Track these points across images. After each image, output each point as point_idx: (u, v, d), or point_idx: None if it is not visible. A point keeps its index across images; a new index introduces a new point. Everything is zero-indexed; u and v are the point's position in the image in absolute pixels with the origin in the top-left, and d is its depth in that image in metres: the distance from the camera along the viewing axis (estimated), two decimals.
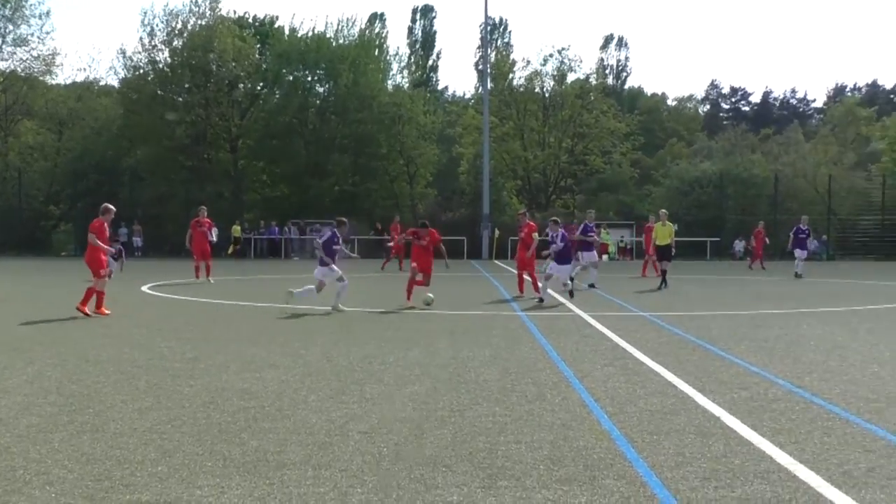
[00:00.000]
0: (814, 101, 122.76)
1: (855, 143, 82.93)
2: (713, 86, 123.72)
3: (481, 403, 9.53)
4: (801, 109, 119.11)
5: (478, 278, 34.07)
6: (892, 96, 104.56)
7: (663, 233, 29.31)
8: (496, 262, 49.28)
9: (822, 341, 14.97)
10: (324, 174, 64.05)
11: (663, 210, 31.49)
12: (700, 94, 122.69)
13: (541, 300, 21.76)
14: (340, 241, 21.12)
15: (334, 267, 20.60)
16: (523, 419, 8.78)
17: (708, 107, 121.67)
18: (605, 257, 56.28)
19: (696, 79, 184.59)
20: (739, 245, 60.41)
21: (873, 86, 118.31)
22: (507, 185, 68.79)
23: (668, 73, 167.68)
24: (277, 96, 66.37)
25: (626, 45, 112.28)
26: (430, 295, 21.12)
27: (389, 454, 7.44)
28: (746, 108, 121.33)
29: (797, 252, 35.93)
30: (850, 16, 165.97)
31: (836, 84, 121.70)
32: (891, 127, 71.95)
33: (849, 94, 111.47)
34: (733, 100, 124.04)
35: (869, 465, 7.17)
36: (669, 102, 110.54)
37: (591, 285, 27.50)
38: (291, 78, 65.93)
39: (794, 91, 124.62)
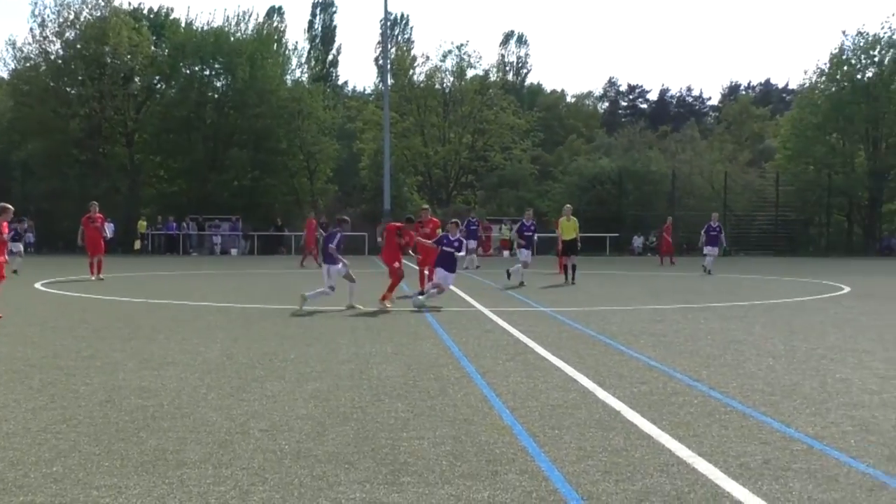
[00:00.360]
0: (709, 99, 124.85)
1: (749, 141, 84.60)
2: (611, 83, 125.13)
3: (383, 400, 9.49)
4: (696, 107, 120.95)
5: (379, 274, 33.96)
6: (784, 95, 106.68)
7: (568, 228, 29.48)
8: None
9: (718, 336, 15.21)
10: (222, 169, 63.43)
11: (568, 205, 31.65)
12: (598, 91, 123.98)
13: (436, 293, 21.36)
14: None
15: (342, 266, 20.29)
16: (425, 415, 8.76)
17: (606, 104, 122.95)
18: (505, 253, 56.71)
19: (595, 76, 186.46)
20: (638, 241, 61.27)
21: (766, 85, 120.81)
22: (408, 180, 68.83)
23: (567, 70, 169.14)
24: (174, 90, 65.41)
25: (525, 42, 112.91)
26: (422, 297, 20.25)
27: (291, 452, 7.36)
28: (644, 106, 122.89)
29: (707, 249, 36.47)
30: (744, 16, 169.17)
31: (731, 83, 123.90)
32: (783, 125, 73.51)
33: (743, 92, 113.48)
34: (631, 97, 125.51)
35: (765, 457, 7.29)
36: (568, 99, 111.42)
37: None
38: (188, 72, 65.02)
39: (689, 89, 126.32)
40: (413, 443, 7.67)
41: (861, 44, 66.68)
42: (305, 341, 14.07)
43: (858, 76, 67.11)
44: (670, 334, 15.35)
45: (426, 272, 24.50)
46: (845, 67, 67.23)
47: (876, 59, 66.82)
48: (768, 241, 62.80)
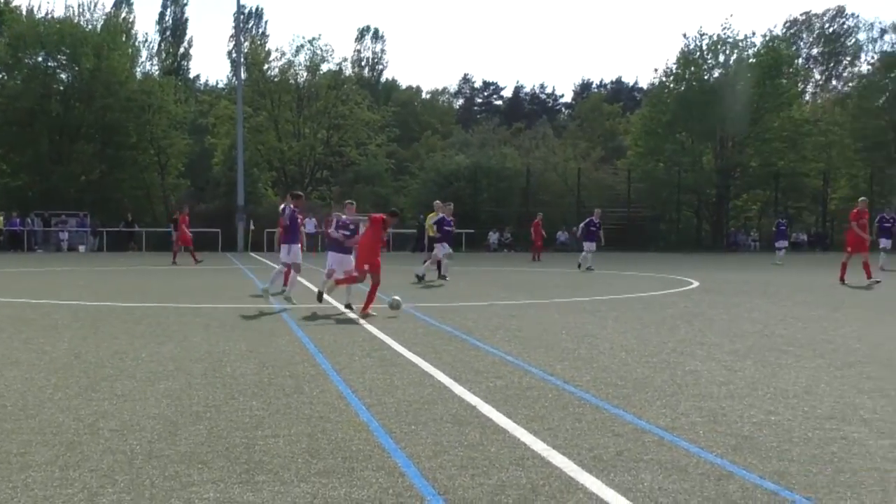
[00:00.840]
0: (562, 96, 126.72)
1: (602, 139, 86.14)
2: (466, 80, 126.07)
3: (237, 398, 9.34)
4: (550, 104, 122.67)
5: (233, 271, 33.59)
6: (635, 94, 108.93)
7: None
8: (252, 254, 48.71)
9: (573, 330, 15.40)
10: (68, 163, 61.72)
11: (437, 201, 31.64)
12: (454, 88, 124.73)
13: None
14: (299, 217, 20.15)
15: (296, 248, 19.78)
16: (281, 413, 8.65)
17: (461, 100, 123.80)
18: None
19: (450, 72, 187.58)
20: (494, 237, 61.82)
21: (618, 83, 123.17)
22: (263, 176, 68.20)
23: (423, 66, 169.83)
24: (17, 81, 63.33)
25: (381, 37, 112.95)
26: (397, 297, 18.44)
27: (142, 452, 7.18)
28: (499, 102, 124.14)
29: (586, 245, 36.77)
30: (596, 14, 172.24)
31: (583, 80, 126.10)
32: (635, 123, 75.06)
33: (595, 90, 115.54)
34: (486, 94, 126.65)
35: (617, 449, 7.39)
36: (424, 95, 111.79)
37: (421, 277, 27.56)
38: (31, 62, 63.06)
39: (543, 87, 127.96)
40: (268, 441, 7.57)
41: (704, 45, 68.54)
42: (157, 339, 13.77)
43: (706, 76, 68.96)
44: (526, 329, 15.48)
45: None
46: (692, 68, 69.00)
47: (721, 60, 68.77)
48: (620, 236, 63.95)
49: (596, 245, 36.89)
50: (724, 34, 68.30)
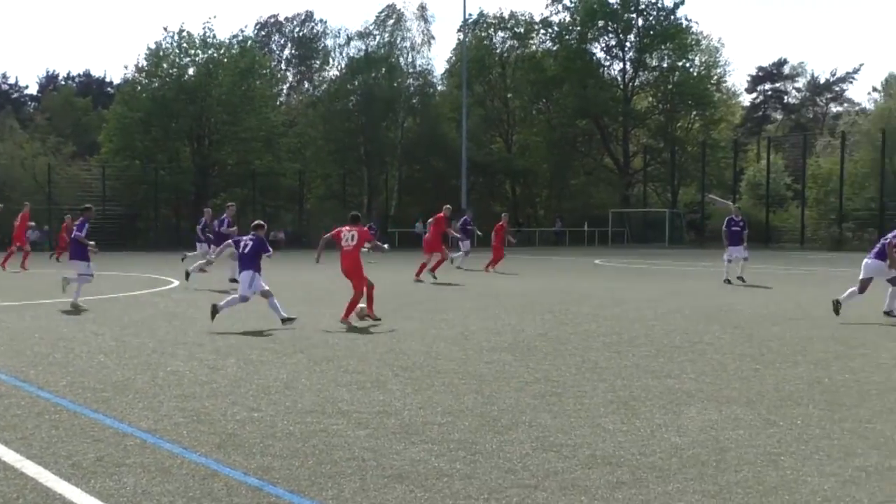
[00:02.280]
0: (27, 87, 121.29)
1: (74, 133, 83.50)
2: None
3: None
4: (14, 96, 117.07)
5: None
6: (108, 89, 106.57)
7: None
8: None
9: (47, 333, 14.85)
10: None
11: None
12: None
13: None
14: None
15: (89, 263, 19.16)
16: None
17: None
18: None
19: None
20: None
21: (87, 76, 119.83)
22: None
23: None
24: None
25: None
26: (363, 305, 16.80)
27: None
28: None
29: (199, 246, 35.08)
30: (59, 2, 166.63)
31: (48, 71, 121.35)
32: (109, 119, 73.40)
33: (63, 83, 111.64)
34: None
35: (98, 455, 7.22)
36: None
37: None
38: None
39: (5, 76, 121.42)
40: None
41: (178, 42, 68.55)
42: None
43: (181, 74, 68.92)
44: None
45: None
46: (165, 65, 68.76)
47: (197, 59, 69.12)
48: (100, 235, 62.23)
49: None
50: (204, 33, 68.66)
